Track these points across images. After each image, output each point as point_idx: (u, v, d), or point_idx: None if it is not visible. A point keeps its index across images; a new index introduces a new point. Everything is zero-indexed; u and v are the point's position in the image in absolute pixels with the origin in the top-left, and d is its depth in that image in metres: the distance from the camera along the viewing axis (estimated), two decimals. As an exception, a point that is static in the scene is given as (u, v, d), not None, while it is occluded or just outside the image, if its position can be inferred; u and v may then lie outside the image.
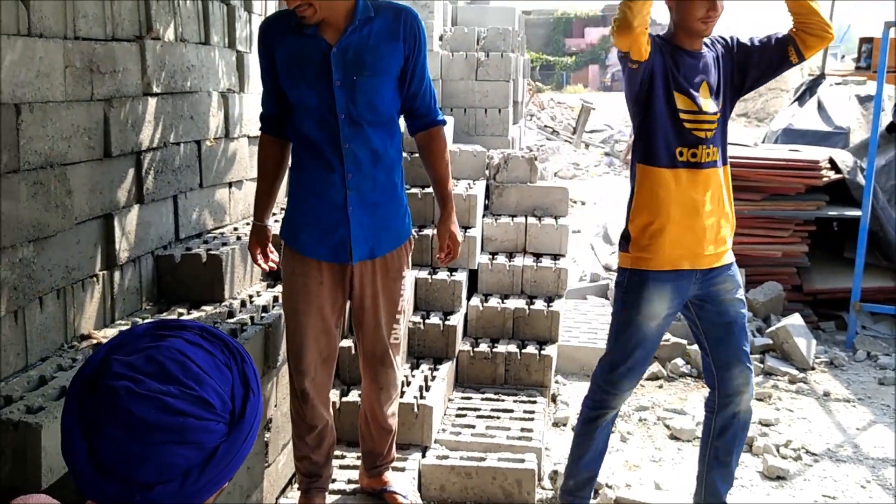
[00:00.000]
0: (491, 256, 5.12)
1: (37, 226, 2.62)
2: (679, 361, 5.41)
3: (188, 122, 3.57)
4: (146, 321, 1.31)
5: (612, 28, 2.76)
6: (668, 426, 4.58)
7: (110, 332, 3.01)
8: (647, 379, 5.28)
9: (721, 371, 3.16)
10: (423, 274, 4.63)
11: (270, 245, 3.10)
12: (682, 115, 2.91)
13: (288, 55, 2.71)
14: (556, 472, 3.88)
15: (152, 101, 3.28)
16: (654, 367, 5.36)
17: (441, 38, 7.15)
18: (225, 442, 1.19)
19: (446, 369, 4.27)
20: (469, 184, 5.25)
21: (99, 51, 2.92)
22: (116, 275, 3.13)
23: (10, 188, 2.49)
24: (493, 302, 4.84)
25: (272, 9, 4.67)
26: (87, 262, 2.94)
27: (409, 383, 4.02)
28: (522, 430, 3.97)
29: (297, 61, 2.70)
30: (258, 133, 3.09)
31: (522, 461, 3.64)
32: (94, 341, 2.92)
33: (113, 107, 3.01)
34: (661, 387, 5.19)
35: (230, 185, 4.07)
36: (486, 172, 5.49)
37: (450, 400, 4.35)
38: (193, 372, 1.18)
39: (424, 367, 4.27)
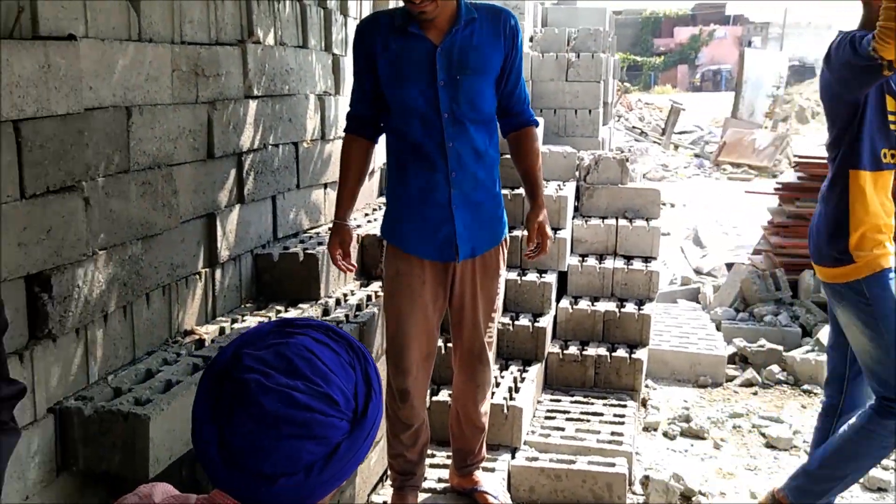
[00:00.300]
0: (581, 258, 5.09)
1: (145, 224, 2.72)
2: (775, 368, 5.27)
3: (286, 124, 3.66)
4: (272, 319, 1.35)
5: (878, 36, 2.67)
6: (763, 434, 4.47)
7: (212, 329, 3.11)
8: (740, 385, 5.17)
9: (857, 378, 3.16)
10: (513, 275, 4.63)
11: (353, 244, 3.11)
12: (891, 118, 2.94)
13: (391, 55, 2.74)
14: (647, 478, 3.84)
15: (253, 104, 3.36)
16: (749, 374, 5.24)
17: (531, 40, 7.14)
18: (347, 439, 1.21)
19: (535, 371, 4.26)
20: (559, 185, 5.23)
21: (204, 55, 3.01)
22: (218, 272, 3.23)
23: (121, 188, 2.59)
24: (583, 304, 4.80)
25: (367, 11, 4.74)
26: (191, 260, 3.04)
27: (498, 384, 4.02)
28: (612, 433, 3.94)
29: (400, 61, 2.74)
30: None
31: (613, 465, 3.60)
32: (197, 337, 3.01)
33: (216, 109, 3.10)
34: (755, 393, 5.08)
35: (325, 185, 4.14)
36: (576, 174, 5.46)
37: (538, 402, 4.34)
38: (320, 369, 1.21)
39: (513, 368, 4.28)
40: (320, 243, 3.70)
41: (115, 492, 2.67)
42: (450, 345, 3.55)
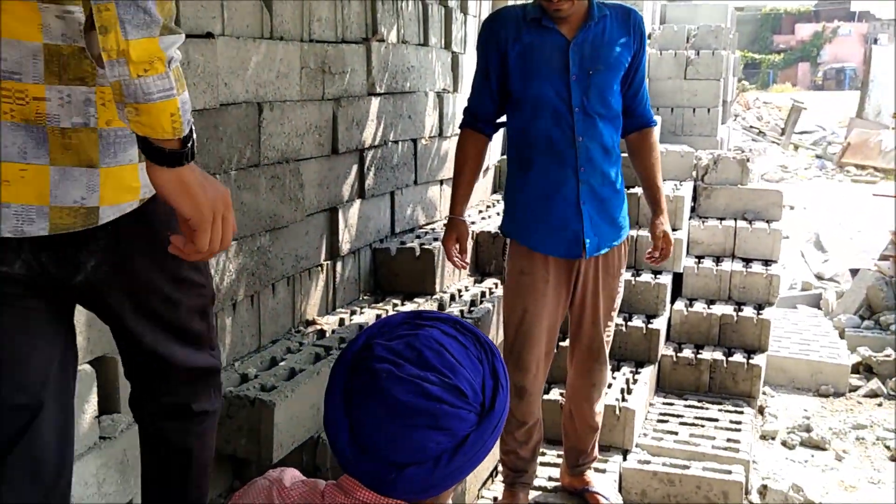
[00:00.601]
0: (697, 260, 4.98)
1: (273, 217, 2.81)
2: (901, 379, 5.04)
3: (406, 121, 3.71)
4: (403, 311, 1.37)
5: None
6: (888, 447, 4.29)
7: (332, 319, 3.19)
8: (864, 396, 4.97)
9: None
10: (627, 275, 4.55)
11: (468, 241, 3.11)
12: None
13: (523, 50, 2.75)
14: (765, 487, 3.73)
15: (375, 101, 3.43)
16: (874, 384, 5.03)
17: (650, 37, 7.03)
18: (475, 431, 1.23)
19: (648, 373, 4.20)
20: (676, 185, 5.13)
21: (330, 52, 3.09)
22: (339, 265, 3.31)
23: (252, 181, 2.68)
24: (699, 307, 4.70)
25: (486, 9, 4.76)
26: (314, 252, 3.12)
27: (609, 385, 3.98)
28: (728, 440, 3.84)
29: (533, 55, 2.74)
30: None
31: (729, 472, 3.52)
32: (318, 327, 3.09)
33: (341, 106, 3.18)
34: (880, 405, 4.86)
35: (441, 182, 4.19)
36: (694, 173, 5.35)
37: (651, 404, 4.28)
38: (449, 361, 1.23)
39: (626, 369, 4.22)
40: (436, 239, 3.74)
41: (239, 474, 2.77)
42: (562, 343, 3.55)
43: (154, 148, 1.24)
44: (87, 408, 2.09)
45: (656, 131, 3.08)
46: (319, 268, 3.19)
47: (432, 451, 1.20)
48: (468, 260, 3.06)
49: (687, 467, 3.56)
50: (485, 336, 1.33)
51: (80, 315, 2.05)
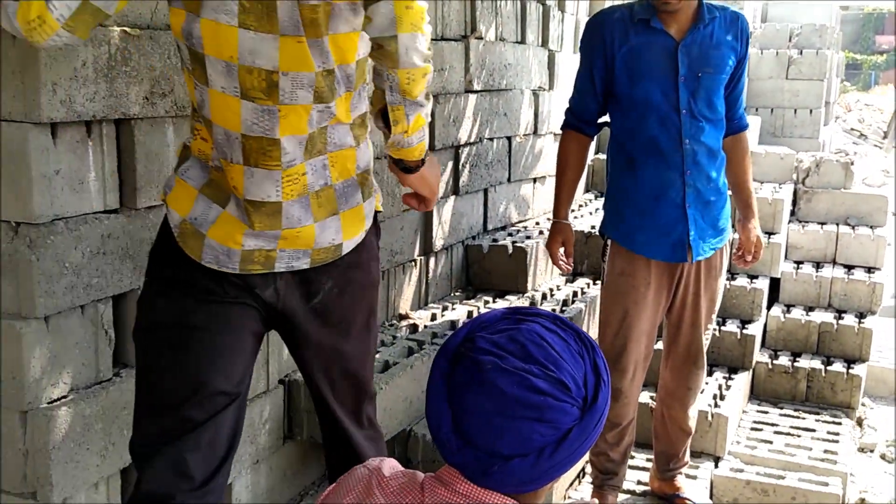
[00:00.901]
0: (796, 265, 4.84)
1: (370, 211, 2.84)
2: None
3: (502, 118, 3.72)
4: (500, 307, 1.39)
5: None
6: None
7: (424, 314, 3.22)
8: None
9: None
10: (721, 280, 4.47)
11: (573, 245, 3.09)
12: None
13: (631, 50, 2.72)
14: (862, 501, 3.61)
15: (472, 98, 3.44)
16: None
17: (750, 36, 6.86)
18: (577, 425, 1.23)
19: (742, 380, 4.11)
20: (775, 187, 5.00)
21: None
22: (432, 261, 3.33)
23: (351, 176, 2.72)
24: (797, 313, 4.57)
25: (584, 7, 4.73)
26: (409, 248, 3.15)
27: (702, 390, 3.90)
28: (825, 451, 3.73)
29: (640, 56, 2.71)
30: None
31: (826, 485, 3.41)
32: (411, 321, 3.12)
33: (438, 103, 3.20)
34: None
35: (534, 180, 4.18)
36: (794, 176, 5.20)
37: (744, 412, 4.18)
38: (552, 355, 1.23)
39: (718, 374, 4.14)
40: (528, 237, 3.73)
41: (332, 463, 2.82)
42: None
43: (405, 165, 1.73)
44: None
45: (748, 135, 3.03)
46: (413, 263, 3.22)
47: (536, 444, 1.21)
48: (572, 263, 3.03)
49: (782, 478, 3.47)
50: (585, 332, 1.32)
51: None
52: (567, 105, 2.92)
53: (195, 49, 1.49)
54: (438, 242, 3.35)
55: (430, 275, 3.34)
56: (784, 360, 4.38)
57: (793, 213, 5.15)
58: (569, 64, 4.44)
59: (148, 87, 1.91)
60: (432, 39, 3.13)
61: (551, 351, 1.24)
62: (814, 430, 3.96)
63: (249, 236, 1.62)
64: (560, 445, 1.22)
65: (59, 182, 1.76)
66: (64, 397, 1.85)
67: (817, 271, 4.74)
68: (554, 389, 1.21)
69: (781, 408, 4.24)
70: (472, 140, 3.49)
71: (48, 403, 1.81)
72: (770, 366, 4.35)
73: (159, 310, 1.62)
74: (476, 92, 3.47)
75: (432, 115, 3.16)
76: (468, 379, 1.24)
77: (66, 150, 1.77)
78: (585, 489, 3.34)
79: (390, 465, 1.38)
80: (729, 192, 2.96)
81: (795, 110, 6.41)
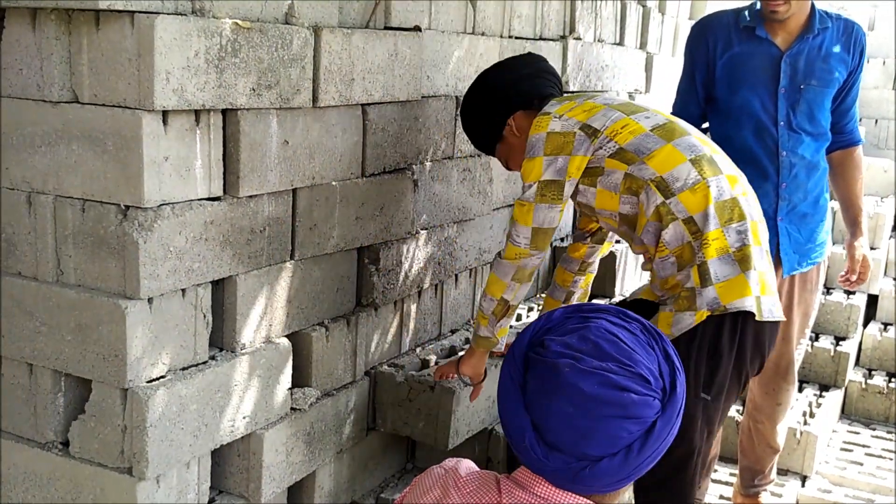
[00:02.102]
0: (895, 282, 4.67)
1: (461, 209, 2.85)
2: None
3: (596, 120, 3.68)
4: (561, 307, 1.37)
5: None
6: None
7: (510, 314, 3.20)
8: None
9: None
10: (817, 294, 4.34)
11: None
12: None
13: (733, 57, 2.67)
14: (958, 532, 3.45)
15: (567, 99, 3.42)
16: None
17: (854, 43, 6.62)
18: (661, 417, 1.21)
19: (834, 398, 3.99)
20: (877, 201, 4.83)
21: (528, 49, 3.10)
22: (519, 261, 3.32)
23: (445, 173, 2.74)
24: (894, 332, 4.41)
25: (685, 10, 4.64)
26: (496, 247, 3.15)
27: (791, 407, 3.80)
28: (919, 477, 3.59)
29: (742, 63, 2.66)
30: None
31: (919, 512, 3.29)
32: (496, 320, 3.11)
33: (534, 102, 3.18)
34: None
35: (626, 184, 4.12)
36: (897, 190, 5.01)
37: (834, 431, 4.05)
38: (625, 350, 1.22)
39: (809, 391, 4.02)
40: (618, 241, 3.68)
41: (412, 457, 2.85)
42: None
43: None
44: (282, 379, 2.21)
45: (861, 150, 2.92)
46: (501, 262, 3.21)
47: (624, 441, 1.20)
48: None
49: (872, 502, 3.36)
50: (650, 323, 1.30)
51: (282, 291, 2.17)
52: (670, 109, 2.89)
53: None
54: (527, 243, 3.33)
55: (518, 275, 3.32)
56: (879, 379, 4.24)
57: (895, 228, 4.97)
58: (665, 67, 4.37)
59: (255, 79, 1.95)
60: (531, 38, 3.12)
61: (624, 346, 1.22)
62: (909, 455, 3.81)
63: None
64: (647, 439, 1.20)
65: (167, 168, 1.81)
66: (162, 377, 1.91)
67: (918, 290, 4.56)
68: (635, 384, 1.20)
69: (874, 429, 4.10)
70: (565, 141, 3.47)
71: (147, 382, 1.87)
72: (863, 385, 4.21)
73: None
74: (572, 93, 3.44)
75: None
76: (546, 384, 1.22)
77: (176, 137, 1.83)
78: (665, 500, 3.28)
79: (467, 466, 1.38)
80: (834, 203, 2.87)
81: (901, 122, 6.17)
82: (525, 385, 1.25)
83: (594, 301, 3.25)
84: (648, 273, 2.17)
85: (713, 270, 1.97)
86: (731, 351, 2.01)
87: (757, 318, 1.98)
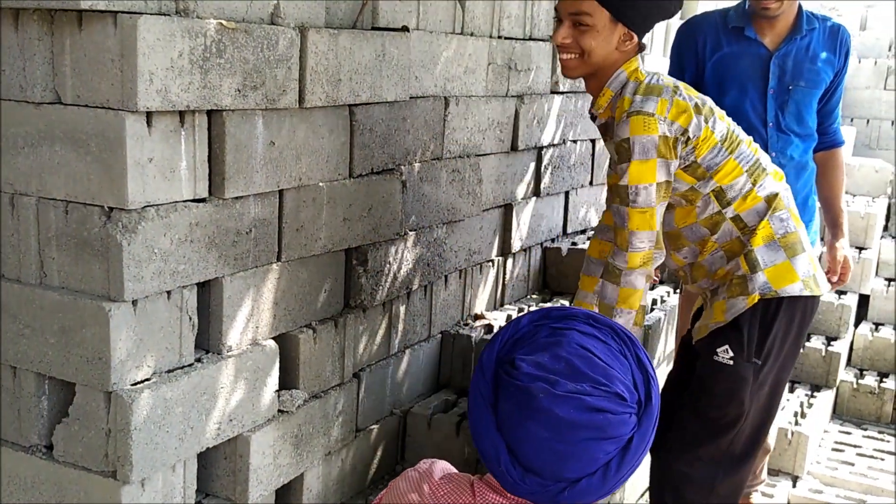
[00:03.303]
0: (887, 282, 4.67)
1: (450, 209, 2.84)
2: None
3: (587, 120, 3.67)
4: (528, 311, 1.34)
5: None
6: None
7: (499, 315, 3.20)
8: None
9: None
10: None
11: None
12: None
13: (723, 58, 2.67)
14: (949, 532, 3.45)
15: (557, 99, 3.41)
16: None
17: (846, 43, 6.63)
18: (637, 432, 1.21)
19: (825, 398, 3.98)
20: (868, 201, 4.83)
21: (517, 49, 3.10)
22: (509, 262, 3.32)
23: (434, 174, 2.73)
24: (886, 332, 4.41)
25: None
26: (487, 248, 3.15)
27: (782, 407, 3.80)
28: (911, 477, 3.59)
29: (731, 64, 2.66)
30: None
31: (910, 512, 3.28)
32: (486, 322, 3.11)
33: (524, 103, 3.18)
34: None
35: (617, 184, 4.12)
36: (888, 190, 5.02)
37: (825, 431, 4.05)
38: (599, 366, 1.20)
39: (800, 391, 4.02)
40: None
41: (402, 458, 2.83)
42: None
43: None
44: (269, 381, 2.19)
45: (844, 150, 2.92)
46: (490, 263, 3.21)
47: (602, 461, 1.19)
48: (659, 274, 3.00)
49: (863, 502, 3.35)
50: (620, 326, 1.29)
51: (269, 293, 2.16)
52: None
53: None
54: (517, 243, 3.33)
55: (507, 276, 3.32)
56: (870, 380, 4.23)
57: (886, 227, 4.97)
58: (656, 66, 4.36)
59: (240, 80, 1.94)
60: (520, 39, 3.11)
61: (598, 361, 1.20)
62: (899, 455, 3.81)
63: None
64: (625, 456, 1.20)
65: (151, 169, 1.80)
66: (147, 380, 1.90)
67: (909, 290, 4.56)
68: (611, 404, 1.18)
69: (865, 429, 4.10)
70: (555, 141, 3.46)
71: (132, 385, 1.86)
72: (855, 385, 4.21)
73: None
74: (562, 93, 3.44)
75: (516, 114, 3.15)
76: (520, 408, 1.19)
77: (160, 138, 1.81)
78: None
79: (441, 468, 1.37)
80: (818, 207, 2.88)
81: (893, 122, 6.17)
82: (496, 405, 1.23)
83: (561, 304, 3.24)
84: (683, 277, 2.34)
85: (760, 257, 2.14)
86: (784, 325, 2.18)
87: (811, 294, 2.17)
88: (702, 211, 2.16)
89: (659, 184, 2.06)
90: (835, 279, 2.90)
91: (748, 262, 2.14)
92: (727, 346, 2.18)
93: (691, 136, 2.06)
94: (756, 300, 2.13)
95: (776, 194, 2.17)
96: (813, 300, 2.21)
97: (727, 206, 2.15)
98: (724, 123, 2.17)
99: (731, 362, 2.19)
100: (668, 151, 2.04)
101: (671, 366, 2.56)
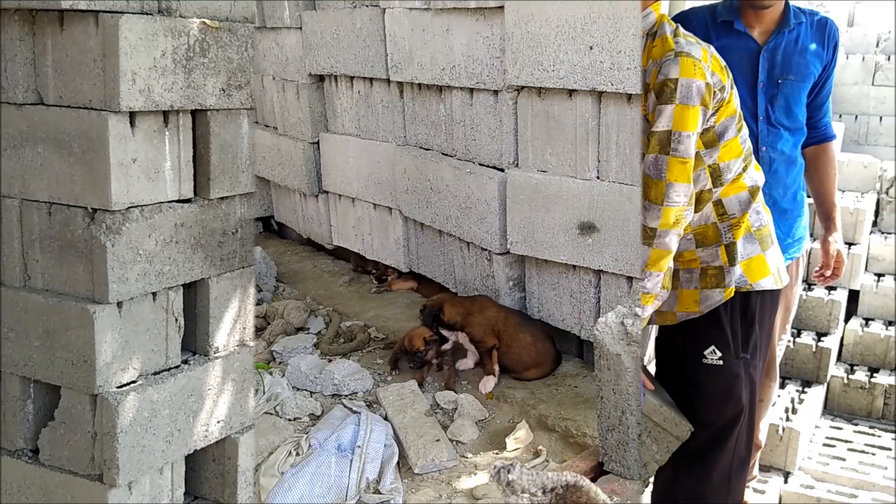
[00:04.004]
0: (876, 277, 4.68)
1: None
2: None
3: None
4: None
5: None
6: None
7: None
8: None
9: None
10: (798, 289, 4.35)
11: None
12: None
13: None
14: (940, 526, 3.46)
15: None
16: None
17: (835, 40, 6.65)
18: None
19: (816, 394, 3.99)
20: (857, 196, 4.84)
21: (505, 48, 3.07)
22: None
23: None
24: (876, 327, 4.42)
25: (664, 7, 4.63)
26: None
27: (774, 403, 3.80)
28: (901, 471, 3.60)
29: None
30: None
31: (901, 506, 3.29)
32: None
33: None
34: None
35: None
36: (877, 185, 5.03)
37: (816, 427, 4.06)
38: None
39: (791, 387, 4.03)
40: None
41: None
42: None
43: None
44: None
45: (835, 145, 2.92)
46: (481, 262, 3.18)
47: None
48: None
49: (854, 497, 3.36)
50: None
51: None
52: None
53: None
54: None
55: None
56: (861, 375, 4.25)
57: (875, 223, 4.98)
58: (646, 65, 4.36)
59: (225, 79, 1.92)
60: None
61: None
62: (889, 449, 3.82)
63: None
64: None
65: (135, 170, 1.79)
66: (133, 382, 1.88)
67: (899, 285, 4.57)
68: None
69: (856, 424, 4.11)
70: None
71: (118, 387, 1.84)
72: (846, 380, 4.22)
73: None
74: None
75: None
76: None
77: (144, 139, 1.80)
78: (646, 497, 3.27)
79: None
80: (809, 202, 2.88)
81: (881, 118, 6.19)
82: None
83: None
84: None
85: (740, 250, 2.16)
86: (766, 318, 2.24)
87: (779, 287, 2.24)
88: (694, 184, 2.11)
89: (699, 133, 2.02)
90: (828, 273, 2.90)
91: (728, 254, 2.15)
92: (713, 347, 2.18)
93: (725, 94, 2.03)
94: (732, 293, 2.14)
95: (758, 187, 2.19)
96: (779, 292, 2.28)
97: (719, 186, 2.15)
98: (737, 99, 2.17)
99: (721, 362, 2.18)
100: (709, 101, 2.00)
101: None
